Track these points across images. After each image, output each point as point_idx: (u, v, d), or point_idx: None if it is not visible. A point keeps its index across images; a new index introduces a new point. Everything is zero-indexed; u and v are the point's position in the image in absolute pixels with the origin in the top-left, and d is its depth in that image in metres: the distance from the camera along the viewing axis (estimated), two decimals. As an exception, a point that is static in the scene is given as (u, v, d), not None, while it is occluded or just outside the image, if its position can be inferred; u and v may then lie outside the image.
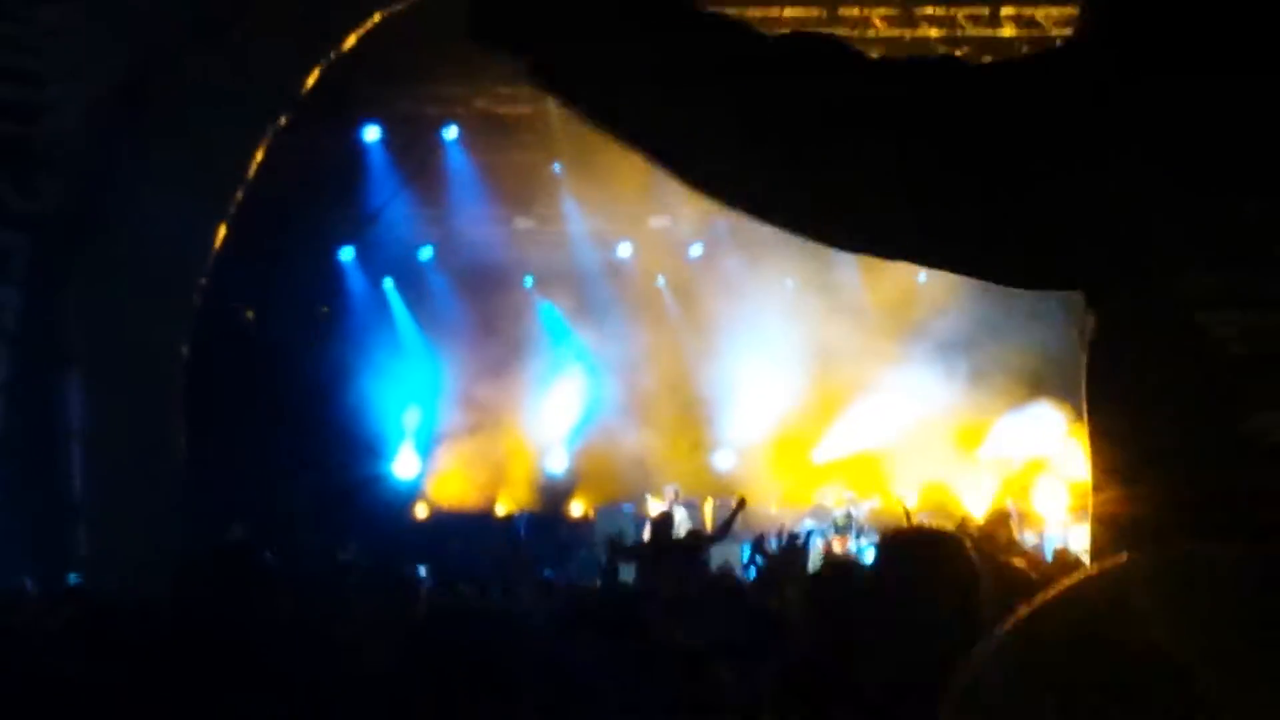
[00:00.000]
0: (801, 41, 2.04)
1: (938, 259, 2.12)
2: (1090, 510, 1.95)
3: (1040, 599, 1.59)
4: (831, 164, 2.00)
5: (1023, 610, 1.59)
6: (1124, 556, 1.59)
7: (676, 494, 25.16)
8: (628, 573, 18.35)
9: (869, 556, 16.50)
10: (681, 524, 20.69)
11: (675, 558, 17.20)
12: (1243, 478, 1.77)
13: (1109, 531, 1.94)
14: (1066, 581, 1.58)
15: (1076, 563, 12.71)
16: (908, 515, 21.46)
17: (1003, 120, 1.89)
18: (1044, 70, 1.97)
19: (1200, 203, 1.79)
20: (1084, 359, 1.97)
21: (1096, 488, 1.92)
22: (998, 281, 2.11)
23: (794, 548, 17.69)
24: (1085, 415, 1.97)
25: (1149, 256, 1.80)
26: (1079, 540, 22.45)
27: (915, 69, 1.99)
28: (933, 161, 1.91)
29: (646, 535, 21.17)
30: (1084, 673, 1.47)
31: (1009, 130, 1.88)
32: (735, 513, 20.26)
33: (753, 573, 21.81)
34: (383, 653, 6.41)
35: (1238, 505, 1.76)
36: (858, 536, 24.31)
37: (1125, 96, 1.85)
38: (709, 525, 23.96)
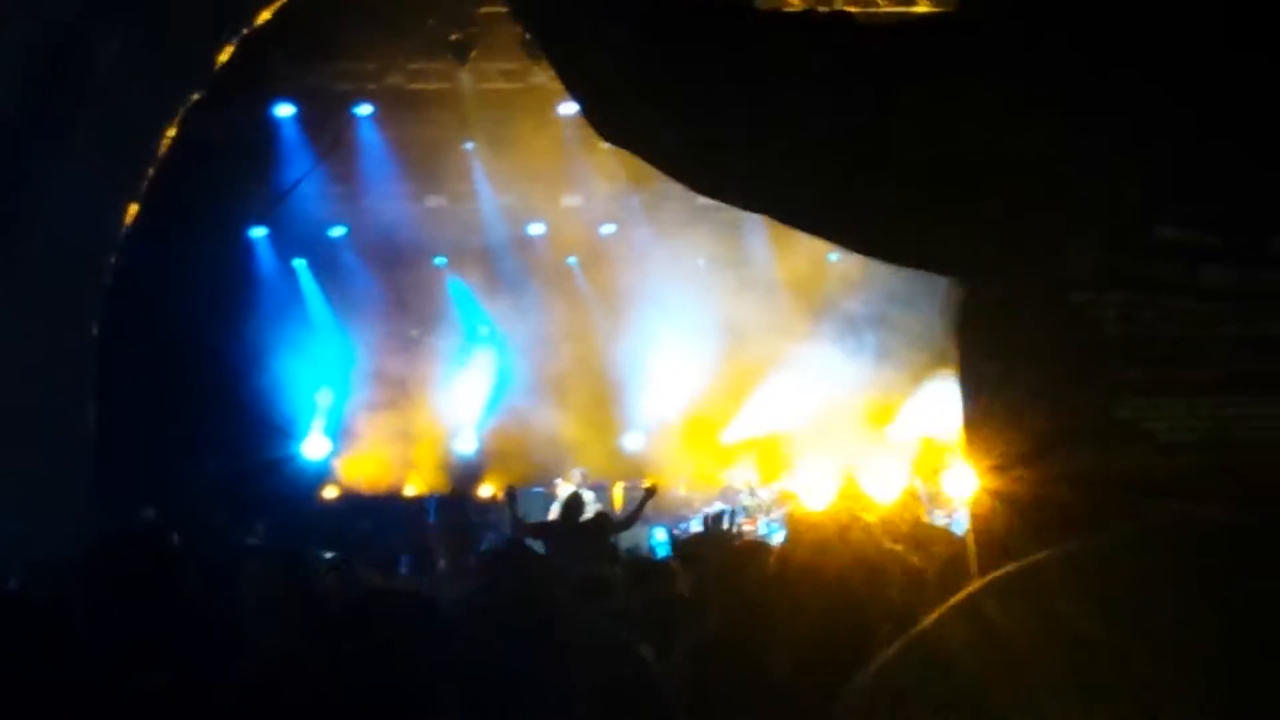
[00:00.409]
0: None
1: (822, 229, 2.12)
2: (972, 491, 1.97)
3: (927, 621, 1.61)
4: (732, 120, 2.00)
5: (906, 637, 1.61)
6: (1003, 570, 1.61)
7: (584, 477, 25.15)
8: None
9: (777, 539, 16.57)
10: (590, 506, 20.69)
11: (583, 539, 17.21)
12: (1118, 462, 1.79)
13: (991, 520, 1.95)
14: (950, 602, 1.60)
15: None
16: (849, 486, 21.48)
17: (890, 88, 1.89)
18: (933, 38, 1.97)
19: (1081, 183, 1.80)
20: (957, 340, 1.98)
21: (977, 473, 1.94)
22: (883, 259, 2.12)
23: (718, 528, 17.71)
24: (961, 395, 1.98)
25: (1028, 236, 1.81)
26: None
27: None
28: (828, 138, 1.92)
29: (553, 515, 21.17)
30: (973, 690, 1.49)
31: (895, 100, 1.89)
32: (644, 500, 20.24)
33: (662, 551, 21.90)
34: (275, 634, 6.40)
35: (1115, 490, 1.78)
36: (767, 516, 24.37)
37: (1010, 69, 1.86)
38: (618, 507, 24.01)
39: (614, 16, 2.04)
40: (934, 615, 1.62)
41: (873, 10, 24.43)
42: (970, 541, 2.04)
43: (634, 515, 20.11)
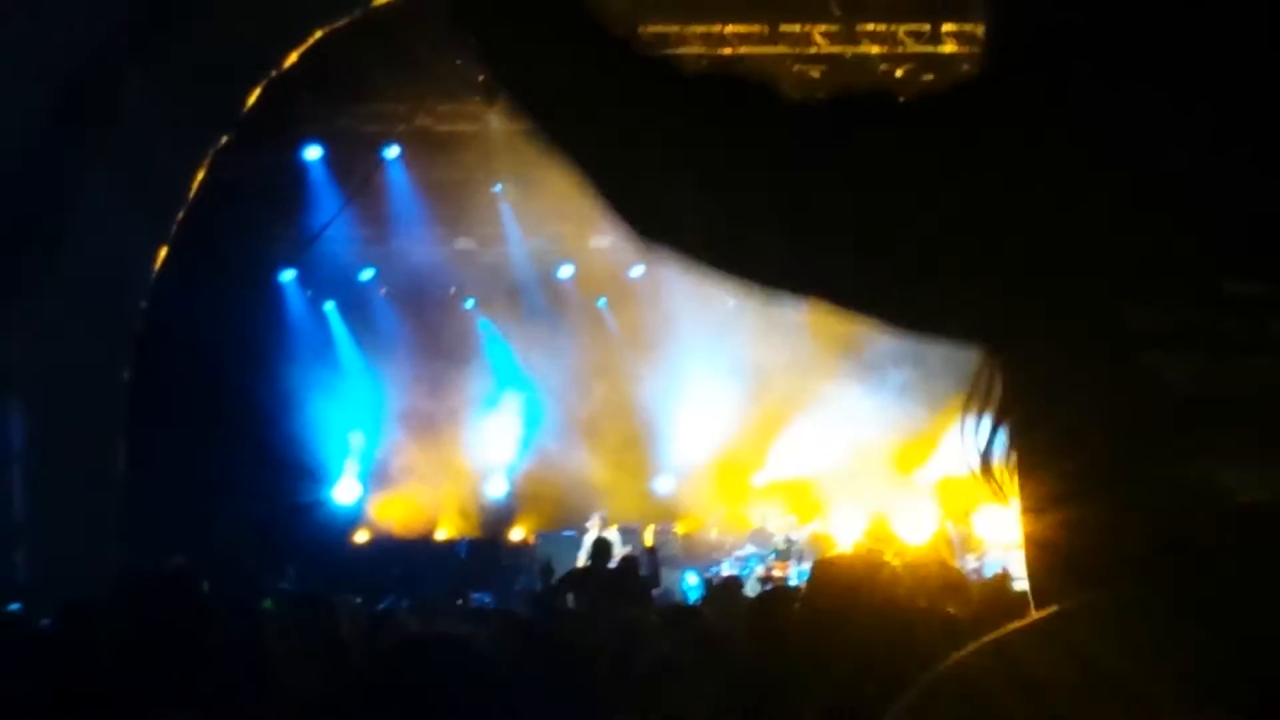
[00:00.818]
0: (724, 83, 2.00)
1: (856, 302, 2.09)
2: (1024, 535, 1.93)
3: (954, 659, 1.59)
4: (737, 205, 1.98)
5: (933, 674, 1.59)
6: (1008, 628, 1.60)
7: (604, 521, 25.04)
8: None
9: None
10: (618, 549, 20.68)
11: (613, 583, 17.18)
12: (1191, 523, 1.72)
13: (1042, 562, 1.91)
14: (955, 657, 1.58)
15: (1012, 592, 12.78)
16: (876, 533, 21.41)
17: (934, 158, 1.85)
18: (971, 105, 1.93)
19: (1145, 240, 1.76)
20: (1007, 394, 1.94)
21: (1028, 511, 1.90)
22: (909, 327, 2.08)
23: (733, 579, 17.73)
24: (1013, 446, 1.94)
25: (1091, 292, 1.77)
26: (1020, 565, 22.55)
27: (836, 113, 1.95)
28: (859, 202, 1.88)
29: (581, 560, 21.17)
30: None
31: (940, 168, 1.85)
32: (655, 562, 20.29)
33: (694, 595, 21.86)
34: (305, 680, 6.36)
35: (1171, 550, 1.72)
36: (799, 562, 24.27)
37: (1058, 128, 1.82)
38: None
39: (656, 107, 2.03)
40: (962, 654, 1.63)
41: (901, 52, 24.47)
42: (1028, 574, 2.00)
43: (654, 575, 20.09)
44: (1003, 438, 1.96)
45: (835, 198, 1.90)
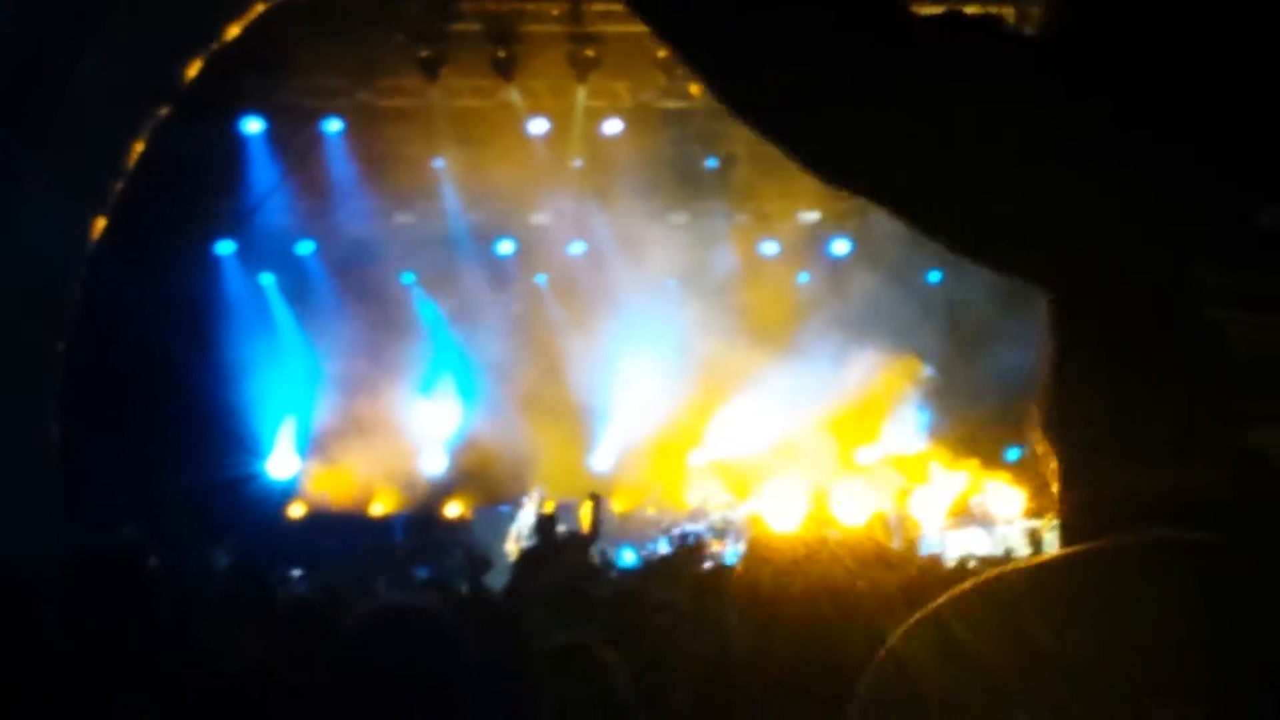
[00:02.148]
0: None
1: (939, 236, 2.08)
2: (1059, 506, 1.91)
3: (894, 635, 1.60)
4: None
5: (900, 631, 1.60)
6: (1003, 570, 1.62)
7: (541, 497, 25.07)
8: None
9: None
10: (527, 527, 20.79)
11: (562, 557, 17.22)
12: (1240, 490, 1.72)
13: (1087, 526, 1.86)
14: (916, 616, 1.59)
15: (946, 570, 12.88)
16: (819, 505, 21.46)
17: (1014, 96, 1.87)
18: (1067, 62, 1.93)
19: (1221, 203, 1.76)
20: (1053, 352, 1.93)
21: (1068, 485, 1.88)
22: (991, 268, 2.08)
23: (685, 548, 17.76)
24: (1053, 409, 1.93)
25: (1166, 249, 1.77)
26: (955, 546, 22.69)
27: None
28: (951, 148, 1.88)
29: (517, 535, 21.23)
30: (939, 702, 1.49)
31: (1021, 112, 1.86)
32: (595, 509, 20.28)
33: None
34: (240, 653, 6.35)
35: (1235, 518, 1.71)
36: (736, 540, 24.35)
37: (1146, 89, 1.82)
38: (585, 527, 24.01)
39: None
40: (901, 629, 1.63)
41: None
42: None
43: (595, 528, 20.12)
44: (1056, 394, 1.96)
45: (954, 131, 1.90)
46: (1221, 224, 1.78)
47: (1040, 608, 1.51)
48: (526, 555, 18.37)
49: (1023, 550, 21.40)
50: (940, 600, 1.61)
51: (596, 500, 20.44)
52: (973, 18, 1.95)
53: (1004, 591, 1.58)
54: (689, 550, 20.08)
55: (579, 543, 18.66)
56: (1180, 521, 1.71)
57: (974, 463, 26.23)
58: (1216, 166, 1.80)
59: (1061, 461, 1.90)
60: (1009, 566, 1.61)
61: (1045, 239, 1.90)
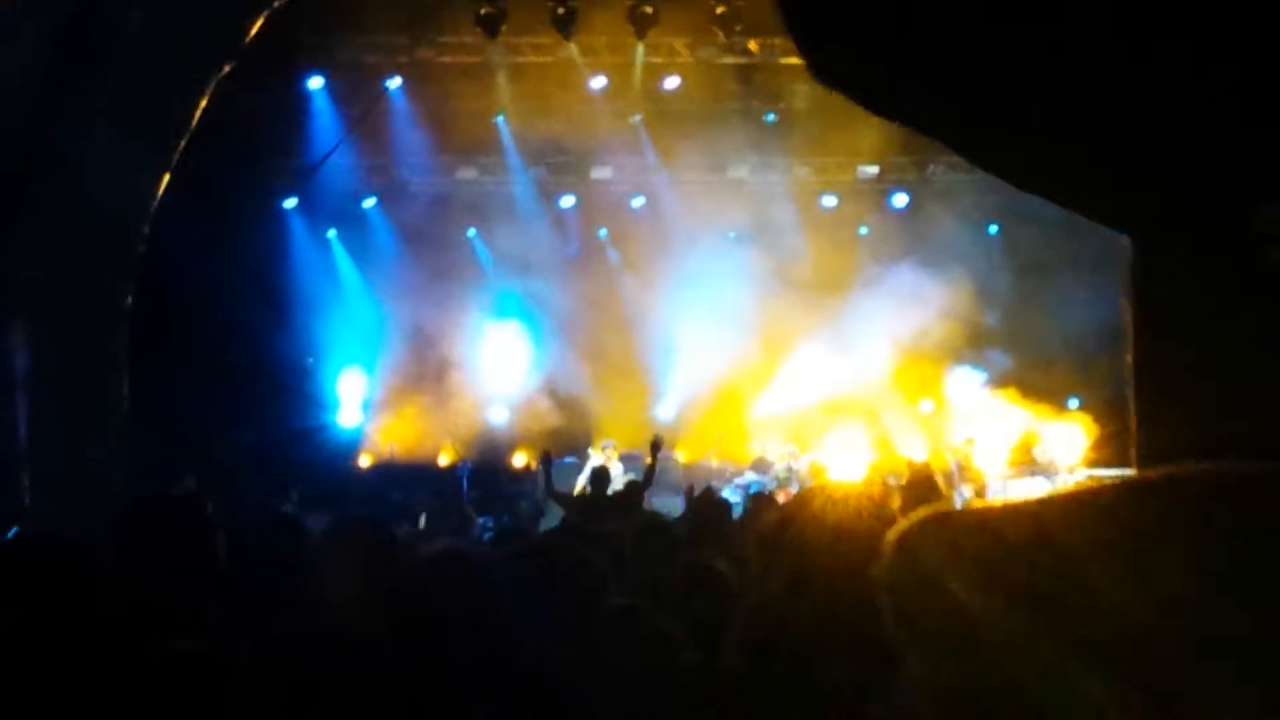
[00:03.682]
0: None
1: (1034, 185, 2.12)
2: (1134, 449, 1.89)
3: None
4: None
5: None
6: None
7: (612, 448, 25.23)
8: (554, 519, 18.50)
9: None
10: (618, 478, 20.76)
11: (614, 508, 17.25)
12: None
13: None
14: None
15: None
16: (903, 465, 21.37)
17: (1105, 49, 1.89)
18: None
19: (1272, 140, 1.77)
20: (1132, 294, 1.95)
21: (1144, 424, 1.86)
22: (1071, 207, 2.11)
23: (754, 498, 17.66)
24: (1132, 352, 1.94)
25: (1222, 188, 1.79)
26: (1017, 495, 22.66)
27: None
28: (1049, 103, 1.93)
29: (579, 488, 21.29)
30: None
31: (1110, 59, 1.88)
32: (654, 453, 20.23)
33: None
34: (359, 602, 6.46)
35: None
36: (799, 489, 24.38)
37: (1217, 34, 1.84)
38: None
39: None
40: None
41: None
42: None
43: (650, 472, 20.07)
44: (1145, 358, 1.94)
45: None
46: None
47: (1073, 536, 1.50)
48: (577, 505, 18.44)
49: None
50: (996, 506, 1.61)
51: (656, 443, 20.42)
52: None
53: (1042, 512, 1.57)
54: (757, 500, 20.11)
55: (632, 493, 18.68)
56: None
57: (1036, 412, 26.18)
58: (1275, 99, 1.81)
59: (1139, 408, 1.92)
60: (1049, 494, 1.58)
61: (1120, 176, 1.94)
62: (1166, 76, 1.76)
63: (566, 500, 19.04)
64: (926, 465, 18.64)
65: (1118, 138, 1.79)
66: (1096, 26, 1.85)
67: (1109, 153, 1.79)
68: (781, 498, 23.26)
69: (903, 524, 1.64)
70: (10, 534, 16.00)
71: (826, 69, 2.08)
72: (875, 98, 1.98)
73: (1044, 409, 26.01)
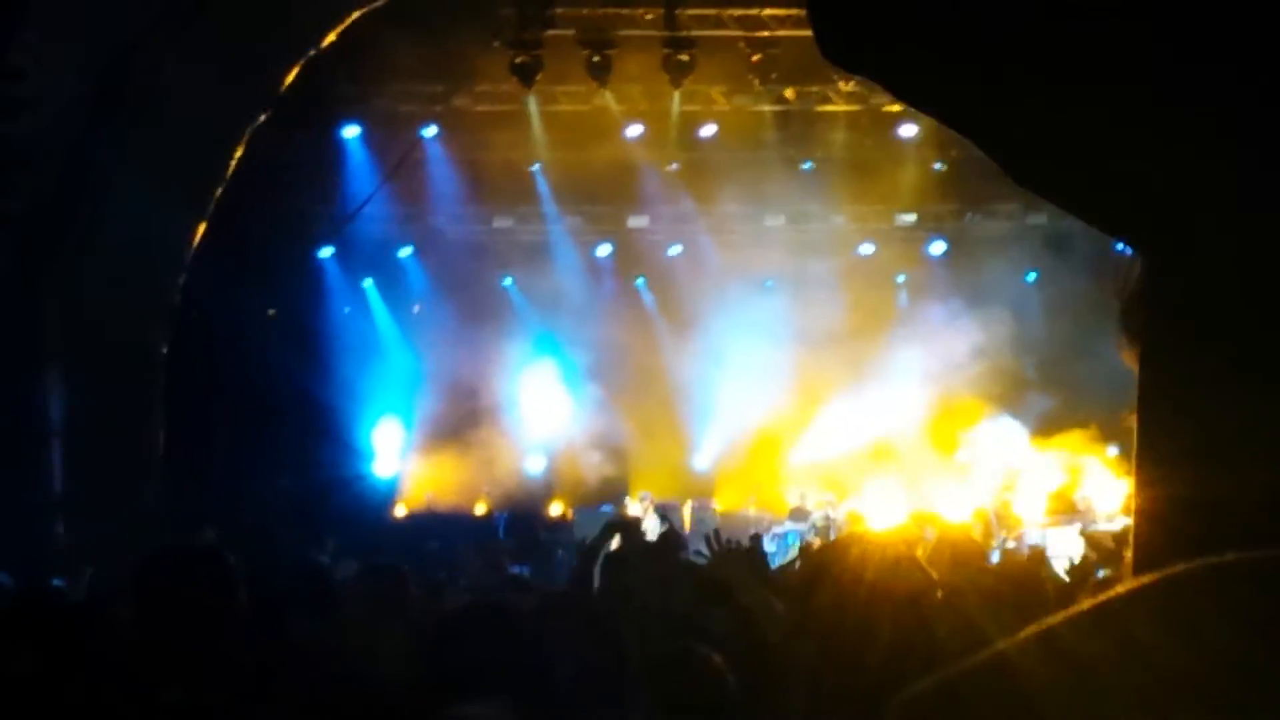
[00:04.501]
0: None
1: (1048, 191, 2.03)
2: (1135, 506, 1.80)
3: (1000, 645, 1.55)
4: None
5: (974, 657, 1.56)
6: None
7: (650, 499, 25.16)
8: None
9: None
10: (653, 530, 20.73)
11: (644, 560, 17.17)
12: None
13: (1153, 535, 1.80)
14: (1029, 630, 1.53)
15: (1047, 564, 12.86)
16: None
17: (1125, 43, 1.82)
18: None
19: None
20: (1141, 328, 1.84)
21: (1144, 481, 1.77)
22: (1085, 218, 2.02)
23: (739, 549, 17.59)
24: (1139, 395, 1.84)
25: (1250, 196, 1.70)
26: (1056, 542, 22.56)
27: None
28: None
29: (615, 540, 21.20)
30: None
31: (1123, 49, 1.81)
32: (669, 520, 20.26)
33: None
34: (379, 646, 6.43)
35: None
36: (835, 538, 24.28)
37: (1245, 33, 1.77)
38: (687, 528, 23.99)
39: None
40: (1010, 641, 1.55)
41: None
42: (1134, 549, 1.89)
43: (679, 535, 20.03)
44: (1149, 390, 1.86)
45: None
46: None
47: (1151, 627, 1.38)
48: (610, 556, 18.36)
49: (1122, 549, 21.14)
50: (1054, 618, 1.53)
51: (665, 512, 20.51)
52: None
53: (1118, 609, 1.50)
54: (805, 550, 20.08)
55: (668, 545, 18.60)
56: (1254, 532, 1.65)
57: (1075, 459, 26.08)
58: None
59: (1140, 464, 1.81)
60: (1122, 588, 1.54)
61: (1141, 174, 1.84)
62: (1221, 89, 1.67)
63: (598, 552, 18.98)
64: (964, 529, 18.57)
65: (1152, 150, 1.70)
66: (1151, 29, 1.74)
67: (1137, 164, 1.70)
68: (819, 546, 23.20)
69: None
70: (53, 584, 16.01)
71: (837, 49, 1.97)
72: (894, 79, 1.87)
73: (1083, 456, 25.90)
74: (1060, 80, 1.84)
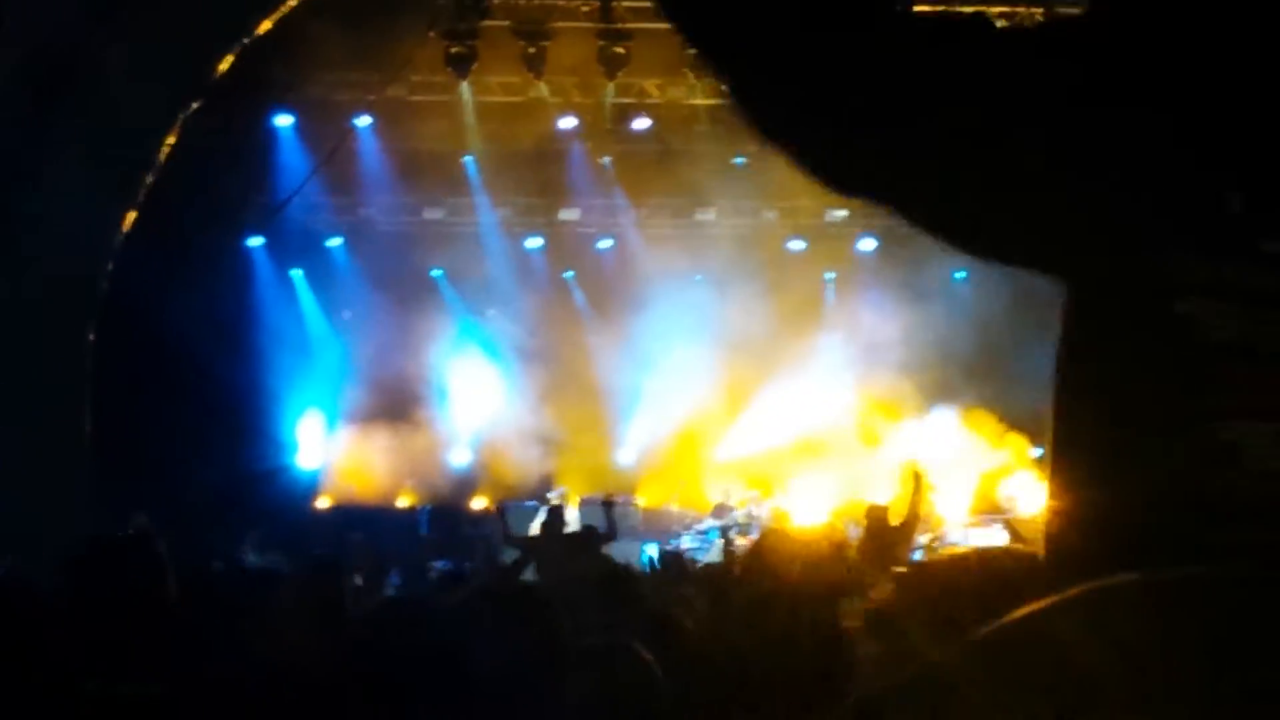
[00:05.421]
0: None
1: (935, 229, 2.08)
2: (1049, 504, 1.86)
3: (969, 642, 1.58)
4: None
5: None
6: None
7: (562, 497, 25.06)
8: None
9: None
10: (572, 523, 20.79)
11: (570, 551, 17.23)
12: (1208, 486, 1.74)
13: (1066, 532, 1.88)
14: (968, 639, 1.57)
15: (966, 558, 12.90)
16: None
17: (999, 89, 1.87)
18: (1042, 43, 1.94)
19: (1198, 194, 1.76)
20: (1058, 347, 1.91)
21: (1058, 484, 1.83)
22: (981, 256, 2.08)
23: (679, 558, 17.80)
24: (1054, 403, 1.90)
25: (1135, 240, 1.76)
26: (978, 541, 22.63)
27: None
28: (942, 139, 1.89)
29: (535, 530, 21.24)
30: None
31: (1004, 100, 1.86)
32: (609, 512, 20.35)
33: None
34: (311, 643, 6.40)
35: (1198, 514, 1.73)
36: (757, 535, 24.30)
37: (1118, 77, 1.83)
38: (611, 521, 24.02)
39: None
40: (994, 626, 1.60)
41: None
42: (1046, 545, 1.95)
43: (612, 527, 20.11)
44: (1063, 403, 1.93)
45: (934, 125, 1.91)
46: (1199, 214, 1.77)
47: (1086, 640, 1.50)
48: (530, 548, 18.42)
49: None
50: (989, 629, 1.59)
51: (609, 503, 20.58)
52: (966, 17, 1.98)
53: (1050, 623, 1.55)
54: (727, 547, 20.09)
55: (589, 538, 18.67)
56: (1155, 530, 1.73)
57: (1000, 461, 26.19)
58: (1191, 152, 1.79)
59: (1054, 464, 1.87)
60: (1054, 600, 1.57)
61: (1040, 217, 1.90)
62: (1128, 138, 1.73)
63: (522, 544, 19.04)
64: (884, 510, 18.56)
65: (1064, 187, 1.74)
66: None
67: (1048, 202, 1.74)
68: (740, 542, 23.24)
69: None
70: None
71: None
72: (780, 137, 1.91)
73: (1008, 454, 26.02)
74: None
